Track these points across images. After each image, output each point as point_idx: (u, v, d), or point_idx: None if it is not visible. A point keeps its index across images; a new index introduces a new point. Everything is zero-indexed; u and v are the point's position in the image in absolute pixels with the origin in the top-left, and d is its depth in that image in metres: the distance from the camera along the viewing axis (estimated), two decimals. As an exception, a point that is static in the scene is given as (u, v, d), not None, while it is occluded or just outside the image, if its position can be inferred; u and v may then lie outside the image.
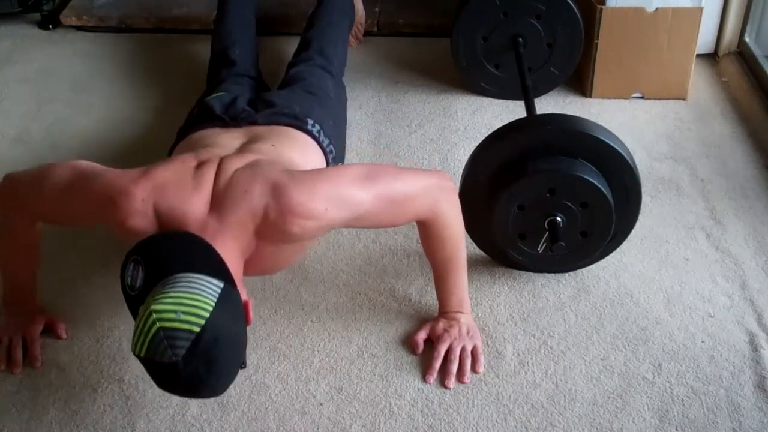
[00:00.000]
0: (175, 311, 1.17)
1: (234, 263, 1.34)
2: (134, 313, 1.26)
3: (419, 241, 1.61)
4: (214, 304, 1.21)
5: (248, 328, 1.44)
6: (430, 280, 1.67)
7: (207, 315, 1.19)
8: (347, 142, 2.08)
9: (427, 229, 1.54)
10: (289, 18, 2.71)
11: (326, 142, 1.75)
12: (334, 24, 2.31)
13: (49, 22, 2.90)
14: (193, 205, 1.36)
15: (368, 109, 2.41)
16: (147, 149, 2.25)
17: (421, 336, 1.64)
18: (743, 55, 2.57)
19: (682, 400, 1.52)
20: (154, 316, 1.17)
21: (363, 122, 2.34)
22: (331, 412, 1.52)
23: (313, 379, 1.58)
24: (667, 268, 1.82)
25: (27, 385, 1.59)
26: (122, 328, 1.69)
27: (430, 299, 1.72)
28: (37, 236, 1.60)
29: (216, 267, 1.29)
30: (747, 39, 2.55)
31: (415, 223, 1.56)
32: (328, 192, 1.38)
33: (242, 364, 1.32)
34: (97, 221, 1.44)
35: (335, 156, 1.78)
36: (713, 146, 2.21)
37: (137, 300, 1.25)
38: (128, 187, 1.36)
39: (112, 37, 2.84)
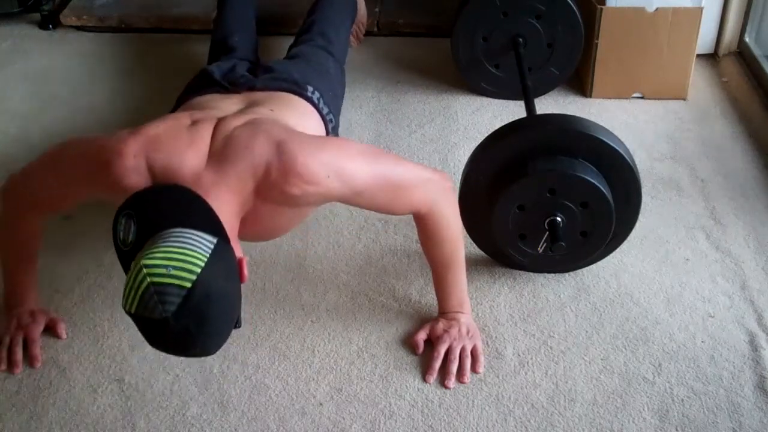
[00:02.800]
0: (165, 266, 1.15)
1: (229, 219, 1.31)
2: (126, 269, 1.23)
3: (419, 241, 1.61)
4: (206, 260, 1.18)
5: (248, 329, 1.45)
6: (430, 280, 1.67)
7: (198, 270, 1.16)
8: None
9: (425, 229, 1.54)
10: (289, 17, 2.71)
11: (326, 110, 1.73)
12: (336, 11, 2.31)
13: (49, 22, 2.90)
14: (189, 159, 1.33)
15: (368, 109, 2.41)
16: (147, 149, 2.24)
17: (421, 336, 1.64)
18: (743, 55, 2.57)
19: (682, 400, 1.52)
20: (145, 271, 1.15)
21: (363, 122, 2.34)
22: (331, 412, 1.52)
23: (313, 379, 1.58)
24: (667, 268, 1.82)
25: (27, 385, 1.59)
26: (122, 328, 1.69)
27: (430, 299, 1.72)
28: (37, 236, 1.60)
29: (209, 222, 1.26)
30: (747, 39, 2.55)
31: (414, 224, 1.56)
32: (332, 159, 1.36)
33: (237, 323, 1.28)
34: (93, 188, 1.41)
35: (335, 125, 1.77)
36: (713, 146, 2.21)
37: (129, 255, 1.22)
38: (119, 146, 1.34)
39: (112, 37, 2.84)
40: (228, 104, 1.61)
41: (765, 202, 2.01)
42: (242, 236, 1.40)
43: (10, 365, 1.61)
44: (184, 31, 2.82)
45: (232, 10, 2.35)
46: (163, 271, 1.15)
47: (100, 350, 1.65)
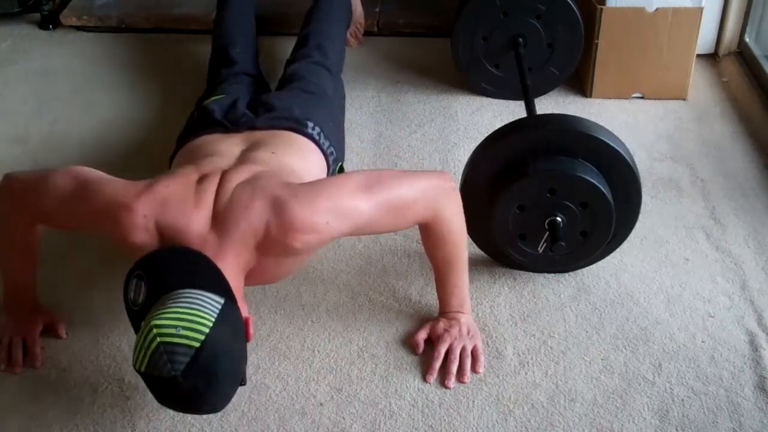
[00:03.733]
0: (175, 326, 1.19)
1: (235, 278, 1.35)
2: (136, 329, 1.27)
3: (419, 241, 1.61)
4: (214, 320, 1.22)
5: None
6: (430, 280, 1.67)
7: (207, 330, 1.20)
8: (348, 142, 2.08)
9: (428, 230, 1.54)
10: (289, 18, 2.71)
11: (326, 144, 1.74)
12: (330, 20, 2.31)
13: (49, 22, 2.90)
14: (195, 222, 1.37)
15: (368, 109, 2.41)
16: (147, 149, 2.25)
17: (422, 336, 1.64)
18: (743, 55, 2.57)
19: (682, 400, 1.52)
20: (155, 331, 1.19)
21: (363, 122, 2.34)
22: (331, 412, 1.52)
23: (313, 379, 1.58)
24: (667, 268, 1.82)
25: (27, 385, 1.58)
26: (122, 328, 1.69)
27: (430, 299, 1.72)
28: (36, 236, 1.60)
29: (217, 283, 1.30)
30: (747, 39, 2.55)
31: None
32: (329, 205, 1.38)
33: (242, 381, 1.33)
34: (97, 231, 1.45)
35: (336, 157, 1.78)
36: (713, 146, 2.21)
37: (140, 315, 1.26)
38: (130, 203, 1.37)
39: (112, 37, 2.84)
40: (230, 146, 1.63)
41: (765, 202, 2.01)
42: (249, 284, 1.44)
43: (10, 365, 1.61)
44: (184, 31, 2.82)
45: (232, 14, 2.35)
46: (172, 331, 1.19)
47: (100, 350, 1.65)
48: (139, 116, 2.41)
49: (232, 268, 1.35)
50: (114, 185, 1.42)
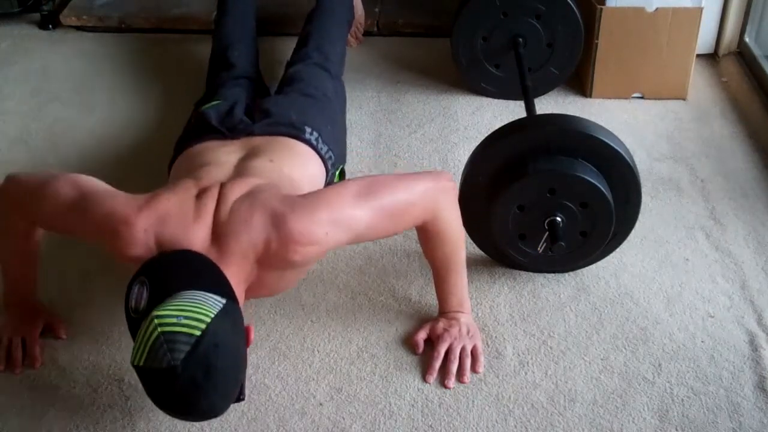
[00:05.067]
0: (176, 316, 1.19)
1: (235, 290, 1.35)
2: (135, 337, 1.26)
3: (419, 241, 1.60)
4: (216, 313, 1.23)
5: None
6: (430, 280, 1.67)
7: (208, 320, 1.21)
8: (348, 142, 2.08)
9: (426, 230, 1.54)
10: (289, 18, 2.71)
11: (324, 149, 1.74)
12: (332, 21, 2.31)
13: (49, 22, 2.90)
14: (195, 237, 1.37)
15: (368, 109, 2.41)
16: (147, 149, 2.25)
17: (421, 336, 1.64)
18: (743, 55, 2.57)
19: (682, 400, 1.52)
20: (156, 321, 1.19)
21: (363, 122, 2.34)
22: (331, 412, 1.52)
23: (313, 379, 1.58)
24: (667, 268, 1.82)
25: (27, 385, 1.59)
26: (122, 328, 1.68)
27: (430, 299, 1.72)
28: (37, 236, 1.60)
29: (219, 285, 1.31)
30: (747, 39, 2.55)
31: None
32: (328, 216, 1.38)
33: (240, 393, 1.32)
34: (95, 242, 1.45)
35: (334, 161, 1.78)
36: (713, 146, 2.21)
37: (140, 323, 1.25)
38: (130, 218, 1.37)
39: (112, 37, 2.84)
40: (227, 155, 1.63)
41: (765, 202, 2.01)
42: (250, 297, 1.45)
43: (10, 365, 1.61)
44: (184, 31, 2.82)
45: (233, 15, 2.35)
46: (173, 320, 1.19)
47: (100, 350, 1.65)
48: (138, 116, 2.41)
49: (232, 281, 1.35)
50: (114, 199, 1.41)
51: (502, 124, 1.72)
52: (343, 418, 1.51)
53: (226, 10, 2.37)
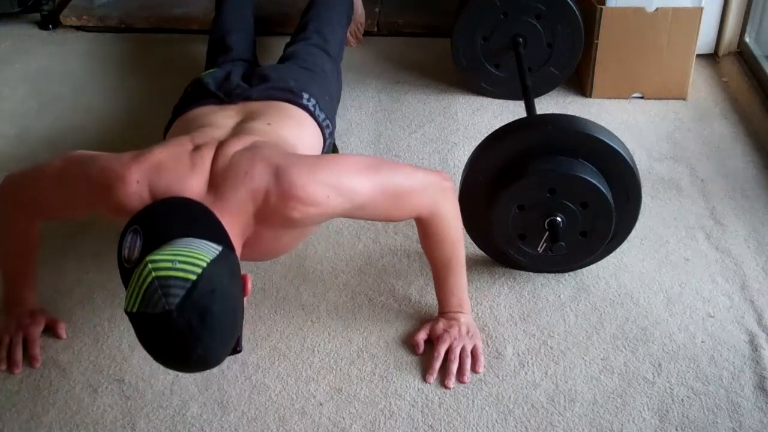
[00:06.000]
0: (171, 260, 1.16)
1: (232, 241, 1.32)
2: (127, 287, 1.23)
3: (419, 241, 1.61)
4: (211, 258, 1.20)
5: (248, 328, 1.44)
6: (430, 280, 1.67)
7: (204, 265, 1.17)
8: (348, 142, 2.08)
9: (426, 229, 1.54)
10: (289, 18, 2.70)
11: (322, 116, 1.73)
12: (332, 9, 2.30)
13: (49, 22, 2.90)
14: (191, 185, 1.34)
15: (368, 109, 2.41)
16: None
17: (421, 336, 1.64)
18: (743, 55, 2.57)
19: (682, 400, 1.52)
20: (150, 266, 1.16)
21: (363, 122, 2.34)
22: (331, 412, 1.52)
23: (313, 379, 1.58)
24: (667, 268, 1.82)
25: (27, 385, 1.59)
26: (122, 328, 1.69)
27: (430, 299, 1.72)
28: (37, 236, 1.60)
29: (216, 232, 1.28)
30: (747, 39, 2.55)
31: (415, 223, 1.56)
32: (330, 178, 1.37)
33: (238, 345, 1.27)
34: (94, 208, 1.42)
35: (331, 130, 1.77)
36: (713, 146, 2.22)
37: (132, 272, 1.22)
38: (121, 171, 1.35)
39: (112, 37, 2.84)
40: (225, 118, 1.61)
41: (765, 202, 2.01)
42: (245, 258, 1.40)
43: (10, 365, 1.61)
44: (184, 31, 2.82)
45: (230, 10, 2.35)
46: (168, 265, 1.16)
47: (100, 350, 1.65)
48: (138, 116, 2.41)
49: (229, 231, 1.31)
50: (104, 158, 1.40)
51: (502, 124, 1.72)
52: (343, 418, 1.51)
53: (224, 6, 2.36)
